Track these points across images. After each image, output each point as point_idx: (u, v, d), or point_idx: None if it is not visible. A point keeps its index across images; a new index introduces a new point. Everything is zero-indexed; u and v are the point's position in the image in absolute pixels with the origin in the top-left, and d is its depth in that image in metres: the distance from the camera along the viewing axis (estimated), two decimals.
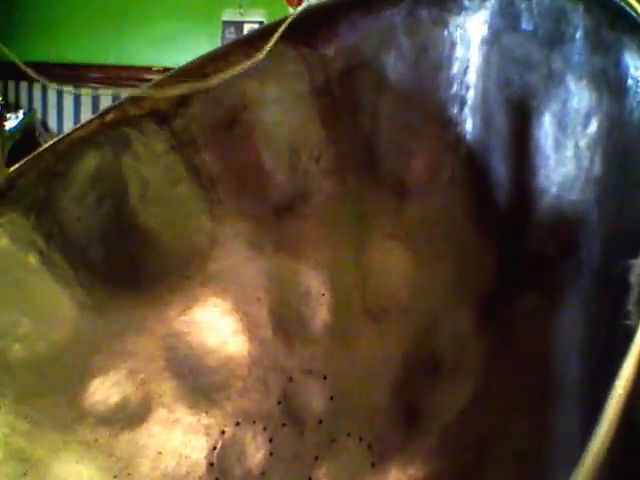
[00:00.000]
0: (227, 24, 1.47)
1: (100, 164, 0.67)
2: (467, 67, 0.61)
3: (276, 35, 0.61)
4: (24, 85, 2.35)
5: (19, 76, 2.36)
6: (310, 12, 0.68)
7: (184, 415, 0.64)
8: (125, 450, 0.60)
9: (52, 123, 2.22)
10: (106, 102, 1.94)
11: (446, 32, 0.62)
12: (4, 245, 0.61)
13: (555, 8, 0.51)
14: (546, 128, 0.52)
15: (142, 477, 0.60)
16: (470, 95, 0.61)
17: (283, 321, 0.68)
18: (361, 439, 0.61)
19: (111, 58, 1.93)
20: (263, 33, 0.73)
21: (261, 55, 0.60)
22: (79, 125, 0.68)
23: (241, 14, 1.43)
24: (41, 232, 0.63)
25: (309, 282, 0.68)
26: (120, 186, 0.67)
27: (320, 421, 0.62)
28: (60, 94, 2.16)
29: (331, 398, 0.63)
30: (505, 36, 0.57)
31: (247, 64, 0.59)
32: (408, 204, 0.66)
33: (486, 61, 0.59)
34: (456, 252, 0.62)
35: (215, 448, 0.63)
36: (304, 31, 0.68)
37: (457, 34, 0.61)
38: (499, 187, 0.58)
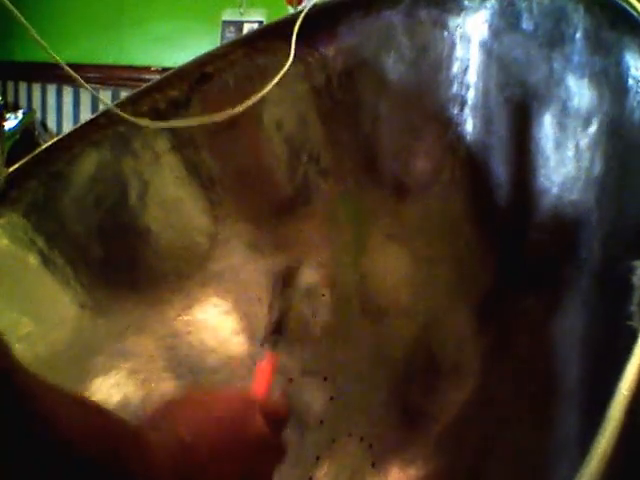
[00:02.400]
0: (227, 24, 1.47)
1: (100, 164, 0.67)
2: (467, 67, 0.61)
3: (292, 44, 0.62)
4: (23, 85, 2.35)
5: (18, 76, 2.36)
6: (310, 12, 0.68)
7: None
8: None
9: (51, 123, 2.21)
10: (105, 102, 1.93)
11: (446, 32, 0.62)
12: (4, 245, 0.61)
13: (555, 8, 0.51)
14: (546, 128, 0.52)
15: None
16: (470, 95, 0.61)
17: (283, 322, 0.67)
18: (362, 439, 0.61)
19: (110, 58, 1.93)
20: (263, 33, 0.73)
21: (286, 66, 0.61)
22: (78, 125, 0.68)
23: (241, 13, 1.43)
24: (41, 232, 0.62)
25: (309, 282, 0.68)
26: (120, 186, 0.67)
27: (321, 421, 0.62)
28: (59, 94, 2.16)
29: (331, 398, 0.63)
30: (505, 36, 0.57)
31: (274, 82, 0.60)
32: (408, 204, 0.66)
33: (486, 61, 0.59)
34: (455, 252, 0.62)
35: None
36: (304, 31, 0.68)
37: (457, 34, 0.61)
38: (499, 187, 0.58)
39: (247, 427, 0.37)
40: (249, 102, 0.59)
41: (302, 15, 0.67)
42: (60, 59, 0.46)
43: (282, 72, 0.62)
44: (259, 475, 0.39)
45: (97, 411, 0.31)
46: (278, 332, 0.55)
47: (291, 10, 1.12)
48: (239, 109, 0.58)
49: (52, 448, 0.25)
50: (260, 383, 0.49)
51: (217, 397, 0.40)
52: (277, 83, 0.68)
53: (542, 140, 0.53)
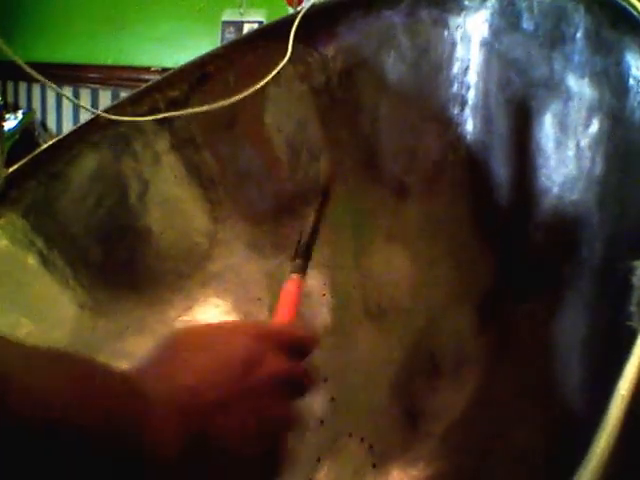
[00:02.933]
0: (227, 24, 1.46)
1: (99, 164, 0.67)
2: (467, 67, 0.61)
3: (290, 44, 0.61)
4: (23, 85, 2.34)
5: (18, 76, 2.36)
6: (309, 12, 0.68)
7: None
8: None
9: (51, 123, 2.21)
10: (105, 102, 1.93)
11: (446, 32, 0.62)
12: (4, 246, 0.61)
13: (556, 8, 0.51)
14: (547, 128, 0.52)
15: None
16: (470, 95, 0.60)
17: None
18: (362, 440, 0.61)
19: (110, 58, 1.93)
20: (262, 33, 0.74)
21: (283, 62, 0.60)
22: (78, 125, 0.68)
23: (241, 14, 1.43)
24: (41, 233, 0.62)
25: (309, 283, 0.68)
26: (120, 186, 0.67)
27: (321, 422, 0.62)
28: (59, 94, 2.16)
29: (332, 399, 0.63)
30: (506, 36, 0.57)
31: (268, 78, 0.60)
32: (408, 204, 0.66)
33: (486, 61, 0.59)
34: (456, 253, 0.62)
35: None
36: (304, 31, 0.68)
37: (457, 34, 0.61)
38: (500, 187, 0.58)
39: (256, 368, 0.35)
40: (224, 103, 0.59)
41: (300, 16, 0.67)
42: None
43: (274, 72, 0.62)
44: (273, 416, 0.37)
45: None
46: (308, 257, 0.52)
47: (291, 10, 1.12)
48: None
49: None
50: (284, 308, 0.47)
51: (223, 339, 0.37)
52: (277, 83, 0.68)
53: (543, 140, 0.53)
